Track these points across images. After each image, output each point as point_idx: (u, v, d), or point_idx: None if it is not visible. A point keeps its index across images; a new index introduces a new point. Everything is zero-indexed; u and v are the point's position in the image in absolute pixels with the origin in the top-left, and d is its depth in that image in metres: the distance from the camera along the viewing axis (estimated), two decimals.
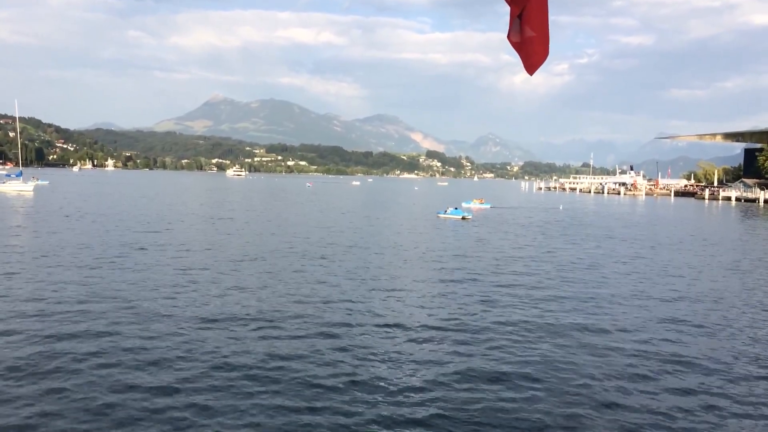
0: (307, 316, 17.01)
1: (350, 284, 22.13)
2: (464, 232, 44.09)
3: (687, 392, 12.03)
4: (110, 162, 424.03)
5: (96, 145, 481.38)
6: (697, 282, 25.09)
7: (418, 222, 53.43)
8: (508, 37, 2.05)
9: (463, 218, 56.05)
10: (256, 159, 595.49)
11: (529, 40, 2.03)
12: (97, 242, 31.64)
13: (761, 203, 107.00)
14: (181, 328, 15.41)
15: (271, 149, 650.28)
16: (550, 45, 2.07)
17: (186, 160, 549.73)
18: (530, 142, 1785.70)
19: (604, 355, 14.30)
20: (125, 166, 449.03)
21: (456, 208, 61.83)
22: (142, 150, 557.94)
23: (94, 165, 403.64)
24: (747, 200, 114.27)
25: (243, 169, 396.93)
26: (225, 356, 13.32)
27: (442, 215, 58.52)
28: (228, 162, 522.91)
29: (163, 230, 38.81)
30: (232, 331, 15.38)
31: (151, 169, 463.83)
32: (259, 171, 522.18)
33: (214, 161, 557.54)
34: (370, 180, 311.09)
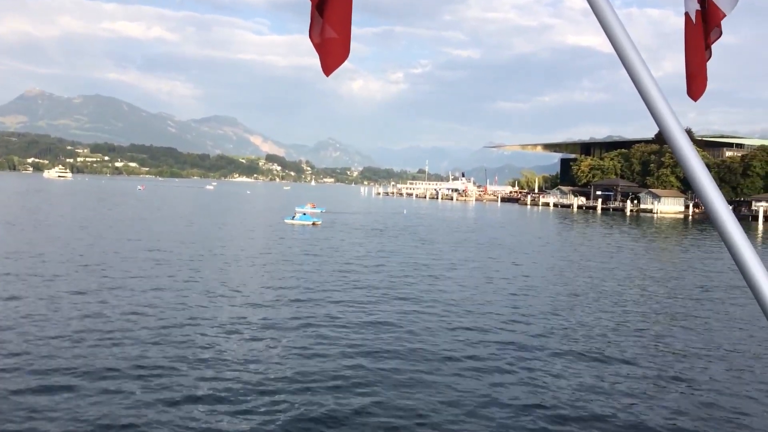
0: (141, 326, 16.41)
1: (196, 296, 21.60)
2: (316, 238, 44.43)
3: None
4: None
5: None
6: (536, 278, 27.67)
7: (265, 229, 52.55)
8: (310, 37, 1.98)
9: (314, 224, 56.22)
10: (79, 159, 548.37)
11: (330, 41, 1.96)
12: None
13: (575, 209, 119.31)
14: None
15: (96, 149, 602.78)
16: (350, 48, 1.97)
17: None
18: (369, 147, 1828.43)
19: (442, 351, 15.40)
20: None
21: (305, 214, 61.69)
22: None
23: None
24: (563, 206, 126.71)
25: (67, 170, 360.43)
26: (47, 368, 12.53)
27: (289, 221, 57.99)
28: (46, 162, 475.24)
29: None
30: (52, 340, 14.43)
31: None
32: (83, 172, 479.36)
33: (29, 161, 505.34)
34: (215, 183, 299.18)
